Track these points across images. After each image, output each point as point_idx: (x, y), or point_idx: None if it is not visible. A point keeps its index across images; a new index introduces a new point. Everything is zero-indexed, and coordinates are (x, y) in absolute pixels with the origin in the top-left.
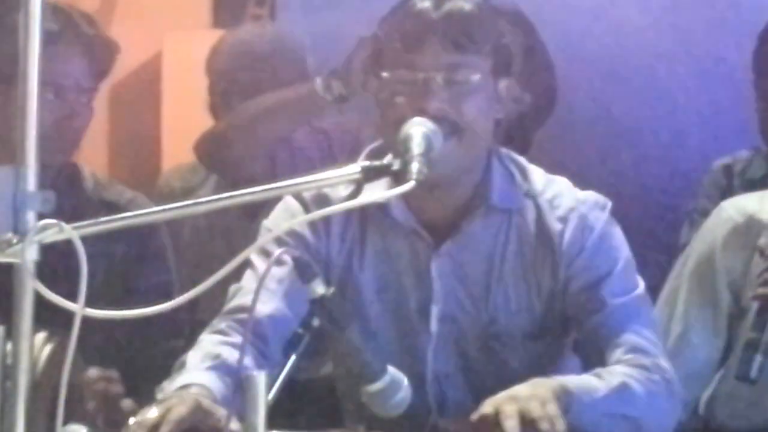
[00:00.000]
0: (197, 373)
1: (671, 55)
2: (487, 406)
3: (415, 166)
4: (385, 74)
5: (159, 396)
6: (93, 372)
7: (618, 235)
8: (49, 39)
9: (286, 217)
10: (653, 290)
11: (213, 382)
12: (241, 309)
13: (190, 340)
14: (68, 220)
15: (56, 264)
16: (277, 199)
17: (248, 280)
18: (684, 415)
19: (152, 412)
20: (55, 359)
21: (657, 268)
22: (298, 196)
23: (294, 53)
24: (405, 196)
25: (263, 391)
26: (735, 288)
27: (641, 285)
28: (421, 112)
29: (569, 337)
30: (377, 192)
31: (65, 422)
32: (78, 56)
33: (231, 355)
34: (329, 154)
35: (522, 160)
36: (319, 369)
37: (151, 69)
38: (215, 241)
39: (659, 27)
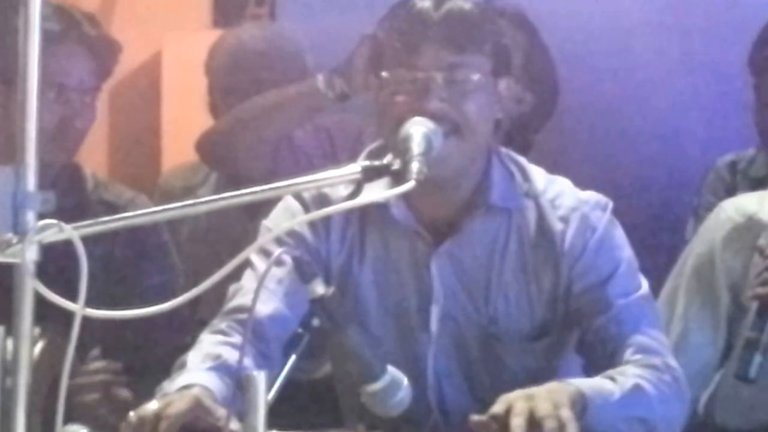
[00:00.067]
0: (198, 373)
1: (671, 55)
2: (500, 404)
3: (415, 166)
4: (384, 74)
5: (159, 396)
6: (96, 364)
7: (620, 235)
8: (51, 38)
9: (286, 216)
10: (654, 290)
11: (213, 382)
12: (241, 309)
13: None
14: (69, 221)
15: (58, 264)
16: (277, 199)
17: (248, 279)
18: None
19: (152, 405)
20: (47, 355)
21: (657, 269)
22: (298, 196)
23: (292, 52)
24: (405, 196)
25: (263, 391)
26: (734, 288)
27: (645, 285)
28: (421, 112)
29: (570, 338)
30: (377, 192)
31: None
32: (81, 56)
33: (231, 356)
34: (331, 153)
35: (522, 160)
36: (319, 369)
37: (151, 69)
38: (215, 241)
39: (659, 27)
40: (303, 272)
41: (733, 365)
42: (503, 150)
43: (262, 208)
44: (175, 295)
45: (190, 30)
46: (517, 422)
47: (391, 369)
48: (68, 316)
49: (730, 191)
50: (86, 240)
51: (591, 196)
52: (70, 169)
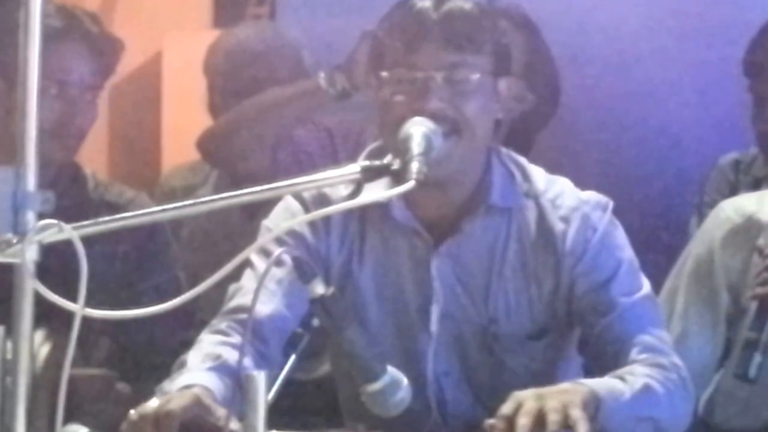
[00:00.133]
0: (198, 373)
1: (671, 55)
2: (510, 402)
3: (414, 166)
4: (384, 73)
5: (159, 396)
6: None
7: (621, 235)
8: (53, 36)
9: (286, 216)
10: (654, 290)
11: (213, 382)
12: (240, 309)
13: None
14: (70, 222)
15: (63, 266)
16: (277, 199)
17: (248, 279)
18: None
19: (152, 403)
20: (54, 357)
21: (657, 269)
22: (298, 196)
23: (289, 50)
24: (405, 196)
25: (263, 391)
26: (734, 288)
27: (647, 284)
28: (421, 112)
29: (571, 337)
30: (377, 192)
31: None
32: (82, 53)
33: (231, 356)
34: (332, 152)
35: (522, 160)
36: (319, 369)
37: (151, 69)
38: (215, 241)
39: (660, 26)
40: (303, 272)
41: (733, 365)
42: (503, 150)
43: (262, 208)
44: (176, 295)
45: (191, 30)
46: (523, 422)
47: (391, 369)
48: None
49: (734, 190)
50: (89, 240)
51: (591, 196)
52: (71, 169)
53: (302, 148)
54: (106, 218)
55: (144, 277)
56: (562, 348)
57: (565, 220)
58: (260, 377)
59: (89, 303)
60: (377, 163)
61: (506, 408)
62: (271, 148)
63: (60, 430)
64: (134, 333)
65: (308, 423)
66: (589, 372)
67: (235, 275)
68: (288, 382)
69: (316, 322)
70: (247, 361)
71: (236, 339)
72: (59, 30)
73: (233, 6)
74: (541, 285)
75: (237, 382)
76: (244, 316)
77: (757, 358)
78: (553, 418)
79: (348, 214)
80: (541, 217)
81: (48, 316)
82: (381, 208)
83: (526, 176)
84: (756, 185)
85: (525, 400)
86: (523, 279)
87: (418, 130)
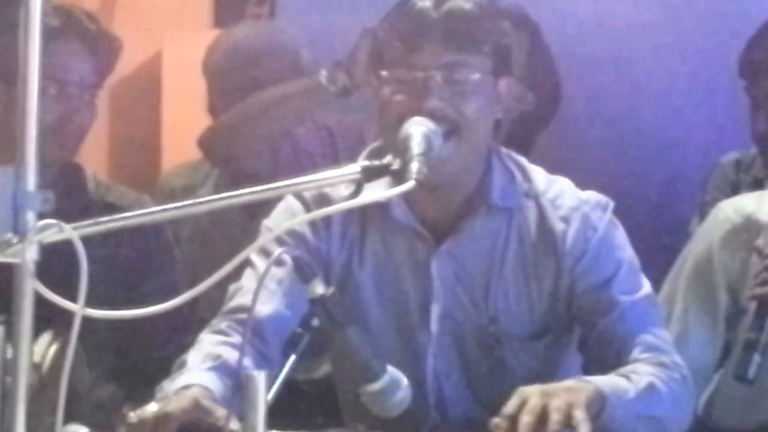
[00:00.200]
0: (198, 373)
1: (672, 54)
2: (516, 398)
3: (414, 166)
4: (384, 73)
5: (159, 396)
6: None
7: (621, 235)
8: (51, 35)
9: (286, 216)
10: (654, 291)
11: (213, 382)
12: (241, 309)
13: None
14: (71, 223)
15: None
16: (277, 199)
17: (248, 279)
18: None
19: (152, 407)
20: (61, 359)
21: (657, 269)
22: (298, 196)
23: (287, 49)
24: (405, 196)
25: (263, 391)
26: (733, 288)
27: (647, 284)
28: (421, 112)
29: (571, 337)
30: (377, 192)
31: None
32: (81, 52)
33: (231, 356)
34: (332, 152)
35: (523, 160)
36: (319, 369)
37: (151, 69)
38: (215, 241)
39: (660, 27)
40: (303, 272)
41: (732, 366)
42: (504, 150)
43: (262, 208)
44: (178, 296)
45: (191, 30)
46: (526, 420)
47: (391, 369)
48: (84, 319)
49: (735, 189)
50: (89, 241)
51: (592, 196)
52: (71, 169)
53: (302, 147)
54: (106, 218)
55: (145, 281)
56: (563, 348)
57: (566, 220)
58: (260, 377)
59: (90, 306)
60: (377, 163)
61: (510, 406)
62: (272, 147)
63: (60, 430)
64: (133, 337)
65: (308, 423)
66: (588, 372)
67: (235, 275)
68: (288, 382)
69: (316, 322)
70: (247, 361)
71: (236, 339)
72: (57, 29)
73: (233, 6)
74: (541, 285)
75: (237, 382)
76: (244, 315)
77: (757, 358)
78: (555, 418)
79: (348, 214)
80: (542, 217)
81: (56, 320)
82: (381, 208)
83: (526, 176)
84: (756, 185)
85: (530, 396)
86: (524, 279)
87: (418, 129)
